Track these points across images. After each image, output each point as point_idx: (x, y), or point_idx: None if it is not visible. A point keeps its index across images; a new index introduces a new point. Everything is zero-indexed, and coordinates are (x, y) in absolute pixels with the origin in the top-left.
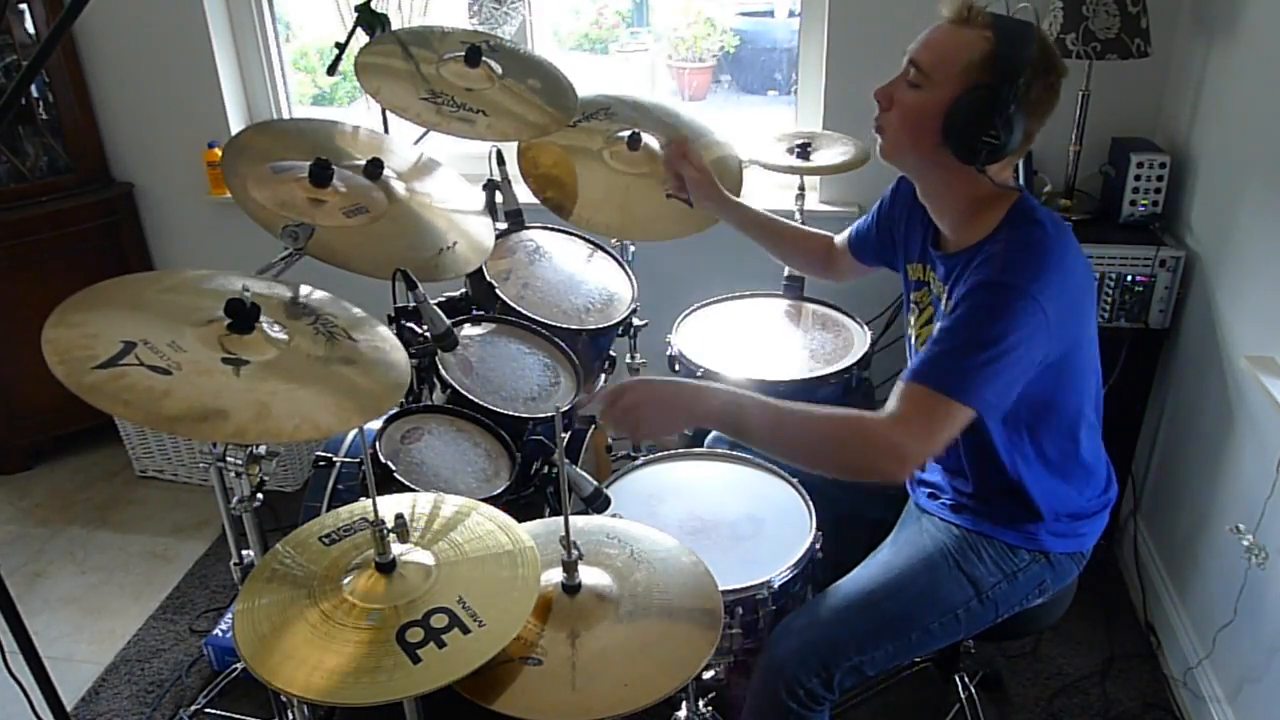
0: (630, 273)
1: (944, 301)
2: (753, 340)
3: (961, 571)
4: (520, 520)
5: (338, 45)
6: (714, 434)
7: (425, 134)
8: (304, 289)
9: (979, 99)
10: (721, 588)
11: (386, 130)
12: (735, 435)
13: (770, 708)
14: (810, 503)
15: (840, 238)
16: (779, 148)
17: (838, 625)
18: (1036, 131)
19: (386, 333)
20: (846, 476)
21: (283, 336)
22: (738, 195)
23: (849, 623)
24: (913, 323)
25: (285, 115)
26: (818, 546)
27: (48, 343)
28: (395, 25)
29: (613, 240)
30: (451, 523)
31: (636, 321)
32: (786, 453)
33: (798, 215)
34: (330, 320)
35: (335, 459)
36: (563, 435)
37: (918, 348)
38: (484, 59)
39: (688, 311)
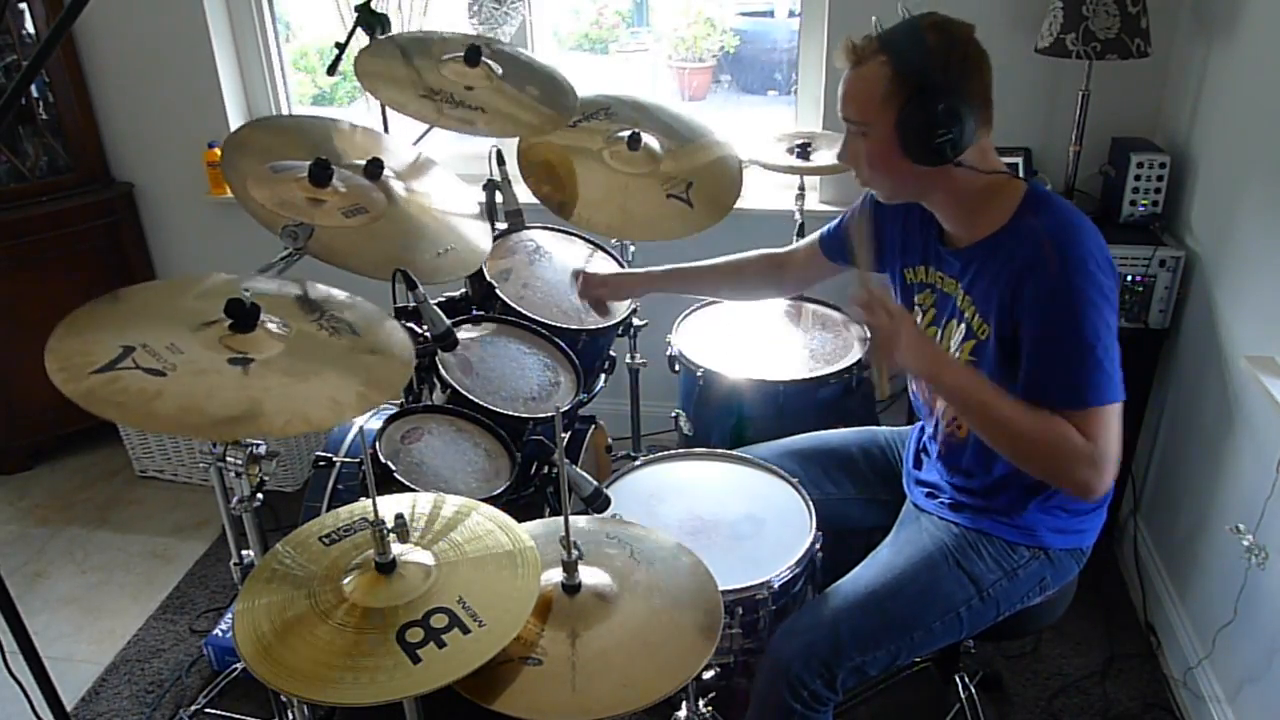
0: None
1: (963, 298)
2: (753, 340)
3: (962, 570)
4: (520, 520)
5: (338, 45)
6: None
7: (425, 134)
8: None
9: (912, 115)
10: (721, 588)
11: (386, 129)
12: (959, 413)
13: (774, 708)
14: (810, 503)
15: (798, 246)
16: (779, 148)
17: (840, 626)
18: (986, 98)
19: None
20: (1046, 480)
21: (284, 332)
22: (738, 195)
23: (851, 623)
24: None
25: (285, 114)
26: (818, 546)
27: (51, 353)
28: (395, 26)
29: (613, 240)
30: (451, 523)
31: (636, 321)
32: (998, 447)
33: (798, 215)
34: (336, 316)
35: (335, 459)
36: (563, 435)
37: None
38: (484, 59)
39: (688, 311)
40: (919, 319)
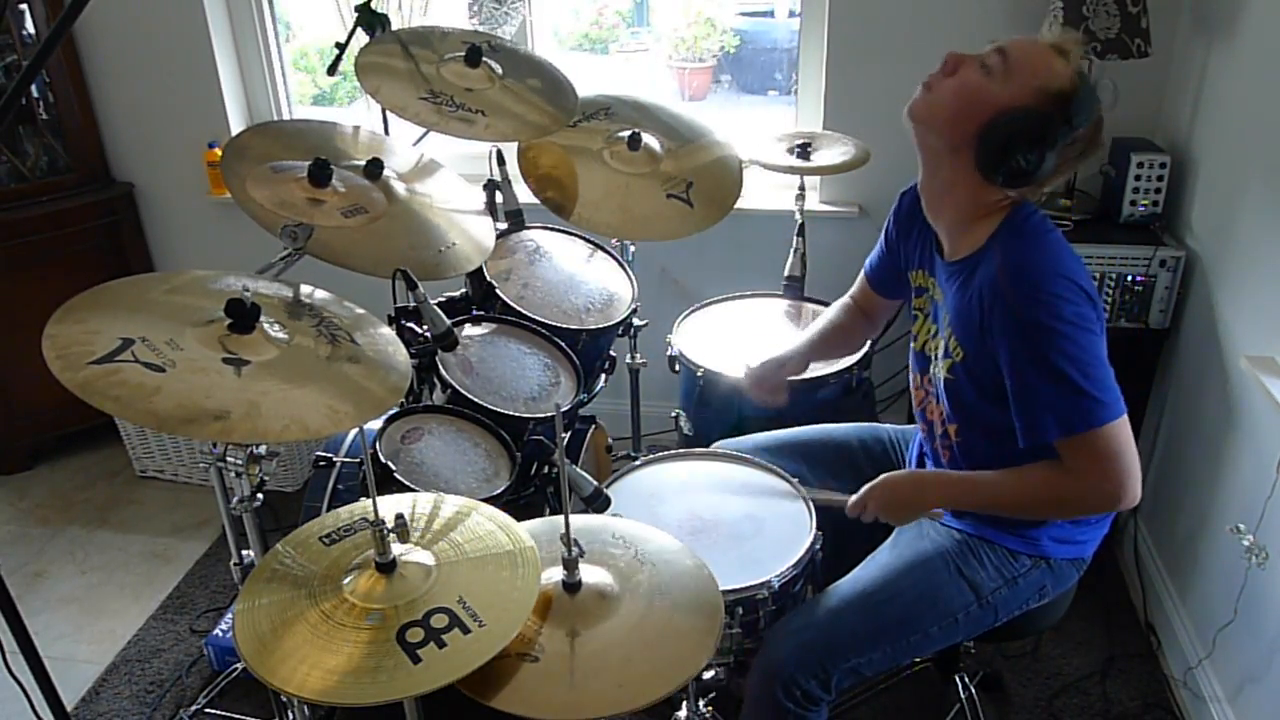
0: (630, 273)
1: (943, 310)
2: (753, 340)
3: (962, 576)
4: (520, 520)
5: (338, 45)
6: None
7: (425, 135)
8: (305, 289)
9: (1033, 122)
10: (721, 588)
11: (387, 132)
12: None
13: (767, 708)
14: (810, 502)
15: (857, 287)
16: (779, 148)
17: (835, 627)
18: (1045, 185)
19: (388, 333)
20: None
21: (283, 337)
22: (738, 195)
23: (847, 624)
24: (916, 329)
25: (285, 115)
26: (818, 546)
27: (48, 338)
28: (395, 25)
29: (613, 240)
30: (451, 523)
31: (636, 321)
32: (1017, 516)
33: (798, 215)
34: (333, 321)
35: (335, 459)
36: (563, 435)
37: (926, 352)
38: (484, 59)
39: (688, 311)
40: (919, 323)
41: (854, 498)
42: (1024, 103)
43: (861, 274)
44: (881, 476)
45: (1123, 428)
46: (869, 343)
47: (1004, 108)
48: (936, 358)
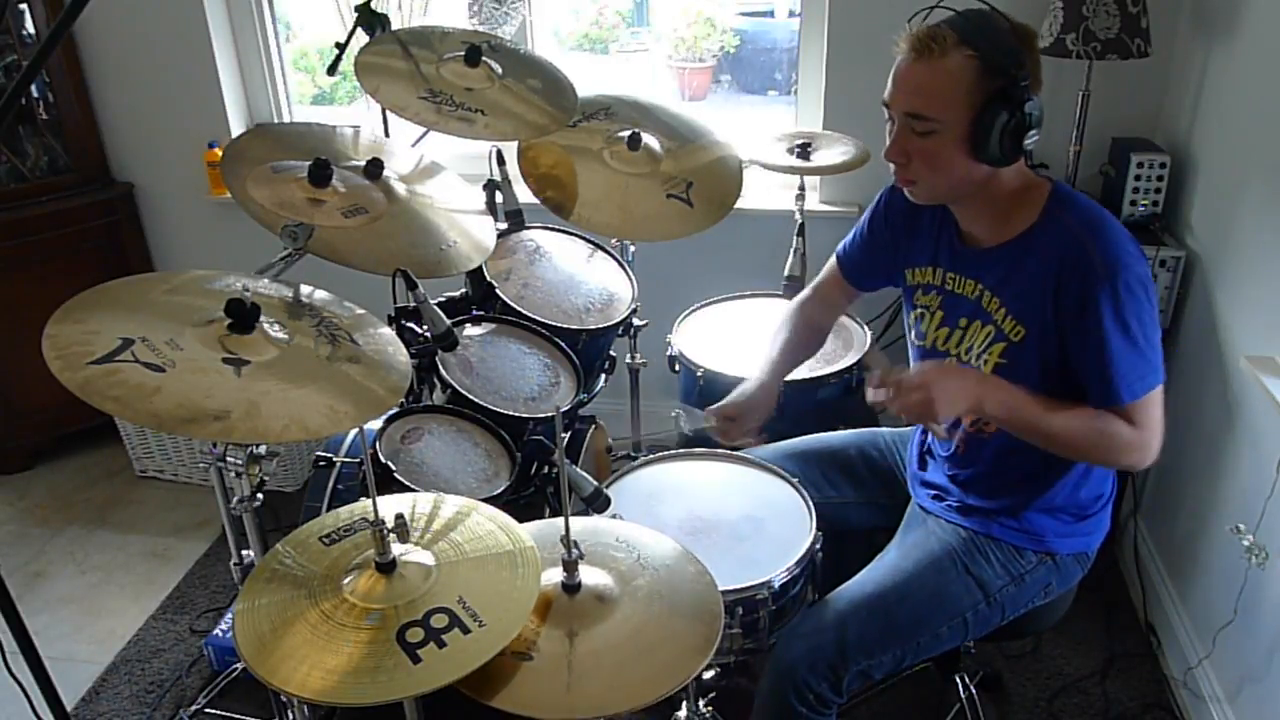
0: (630, 273)
1: (989, 300)
2: (753, 340)
3: (969, 574)
4: (520, 520)
5: (338, 45)
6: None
7: (424, 134)
8: (305, 289)
9: (998, 112)
10: (721, 588)
11: (387, 133)
12: (1007, 427)
13: (779, 711)
14: (810, 503)
15: (825, 276)
16: (779, 148)
17: (846, 629)
18: (1041, 94)
19: (388, 333)
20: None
21: (283, 337)
22: (738, 195)
23: (858, 627)
24: (925, 328)
25: (285, 115)
26: (818, 546)
27: (48, 338)
28: (395, 25)
29: (613, 240)
30: (451, 523)
31: (636, 321)
32: (1049, 449)
33: (798, 215)
34: (333, 321)
35: (335, 459)
36: (563, 435)
37: (944, 348)
38: (484, 59)
39: (688, 311)
40: (927, 321)
41: (905, 374)
42: (972, 114)
43: (832, 264)
44: (934, 368)
45: (1161, 394)
46: (870, 343)
47: (966, 134)
48: (973, 349)
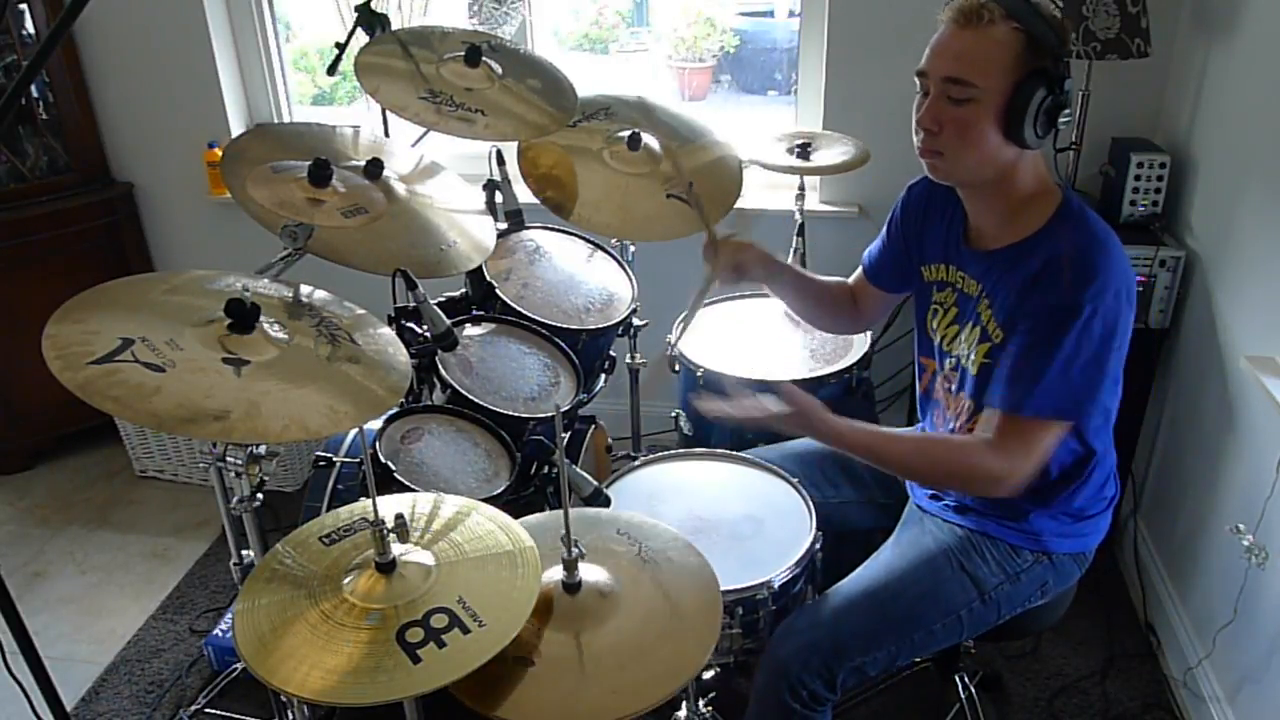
0: (630, 273)
1: (982, 301)
2: (753, 340)
3: (964, 572)
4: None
5: (338, 45)
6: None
7: (423, 136)
8: (305, 289)
9: (1036, 87)
10: (721, 588)
11: (387, 134)
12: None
13: (773, 708)
14: (810, 503)
15: (854, 277)
16: (779, 148)
17: (840, 626)
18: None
19: (388, 333)
20: (954, 491)
21: (283, 337)
22: (738, 195)
23: (851, 624)
24: (936, 325)
25: (285, 115)
26: (818, 546)
27: (48, 338)
28: (395, 25)
29: (613, 240)
30: (451, 523)
31: (636, 321)
32: (899, 474)
33: (798, 215)
34: (333, 321)
35: (335, 459)
36: (563, 435)
37: (948, 349)
38: (484, 59)
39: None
40: (939, 317)
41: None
42: (1010, 87)
43: (859, 269)
44: (809, 402)
45: (1059, 433)
46: (869, 343)
47: (1003, 107)
48: (969, 348)
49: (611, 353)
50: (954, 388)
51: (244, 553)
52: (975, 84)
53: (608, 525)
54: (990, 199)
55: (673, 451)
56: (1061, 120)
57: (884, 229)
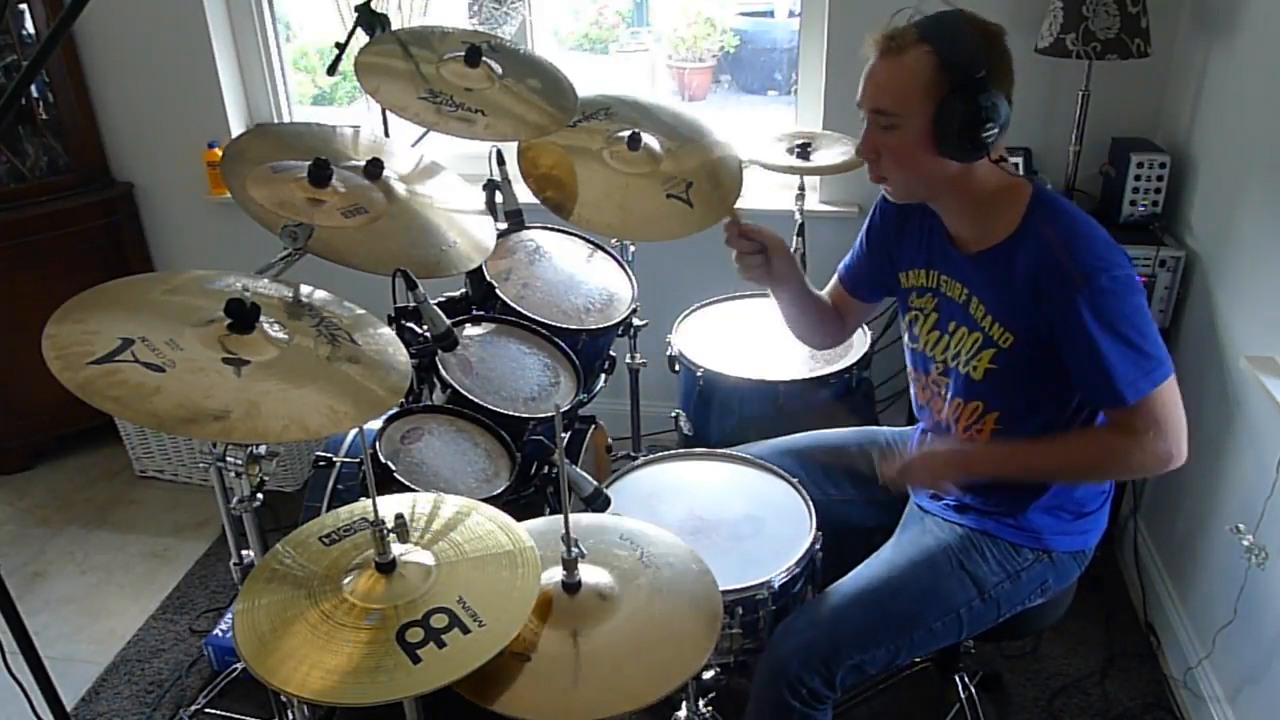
0: (630, 273)
1: (973, 303)
2: (753, 340)
3: (964, 571)
4: (520, 520)
5: (338, 45)
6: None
7: (423, 136)
8: (305, 289)
9: (956, 106)
10: (721, 588)
11: (387, 133)
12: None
13: (773, 706)
14: (810, 503)
15: (829, 290)
16: (779, 148)
17: (840, 624)
18: (1010, 98)
19: (388, 333)
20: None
21: (283, 337)
22: (738, 195)
23: (851, 622)
24: (918, 331)
25: (285, 115)
26: (818, 546)
27: (48, 338)
28: (395, 25)
29: (613, 240)
30: (451, 523)
31: (636, 321)
32: (1060, 482)
33: (798, 215)
34: (333, 321)
35: (335, 459)
36: (563, 435)
37: (931, 354)
38: (484, 59)
39: (688, 311)
40: (920, 323)
41: (894, 466)
42: (932, 109)
43: (835, 279)
44: (923, 450)
45: (1174, 386)
46: (869, 343)
47: (929, 128)
48: (963, 353)
49: (611, 353)
50: (944, 391)
51: (244, 553)
52: (896, 112)
53: (611, 531)
54: (957, 206)
55: (673, 451)
56: (987, 133)
57: (860, 239)
